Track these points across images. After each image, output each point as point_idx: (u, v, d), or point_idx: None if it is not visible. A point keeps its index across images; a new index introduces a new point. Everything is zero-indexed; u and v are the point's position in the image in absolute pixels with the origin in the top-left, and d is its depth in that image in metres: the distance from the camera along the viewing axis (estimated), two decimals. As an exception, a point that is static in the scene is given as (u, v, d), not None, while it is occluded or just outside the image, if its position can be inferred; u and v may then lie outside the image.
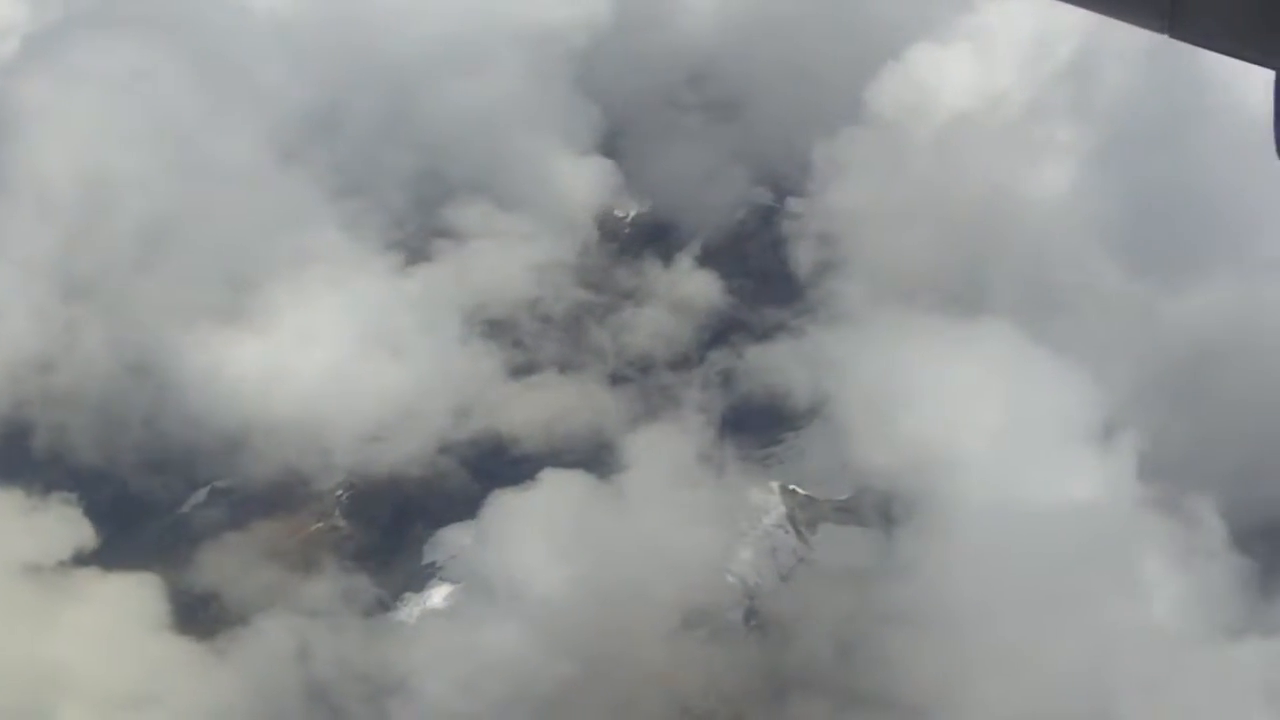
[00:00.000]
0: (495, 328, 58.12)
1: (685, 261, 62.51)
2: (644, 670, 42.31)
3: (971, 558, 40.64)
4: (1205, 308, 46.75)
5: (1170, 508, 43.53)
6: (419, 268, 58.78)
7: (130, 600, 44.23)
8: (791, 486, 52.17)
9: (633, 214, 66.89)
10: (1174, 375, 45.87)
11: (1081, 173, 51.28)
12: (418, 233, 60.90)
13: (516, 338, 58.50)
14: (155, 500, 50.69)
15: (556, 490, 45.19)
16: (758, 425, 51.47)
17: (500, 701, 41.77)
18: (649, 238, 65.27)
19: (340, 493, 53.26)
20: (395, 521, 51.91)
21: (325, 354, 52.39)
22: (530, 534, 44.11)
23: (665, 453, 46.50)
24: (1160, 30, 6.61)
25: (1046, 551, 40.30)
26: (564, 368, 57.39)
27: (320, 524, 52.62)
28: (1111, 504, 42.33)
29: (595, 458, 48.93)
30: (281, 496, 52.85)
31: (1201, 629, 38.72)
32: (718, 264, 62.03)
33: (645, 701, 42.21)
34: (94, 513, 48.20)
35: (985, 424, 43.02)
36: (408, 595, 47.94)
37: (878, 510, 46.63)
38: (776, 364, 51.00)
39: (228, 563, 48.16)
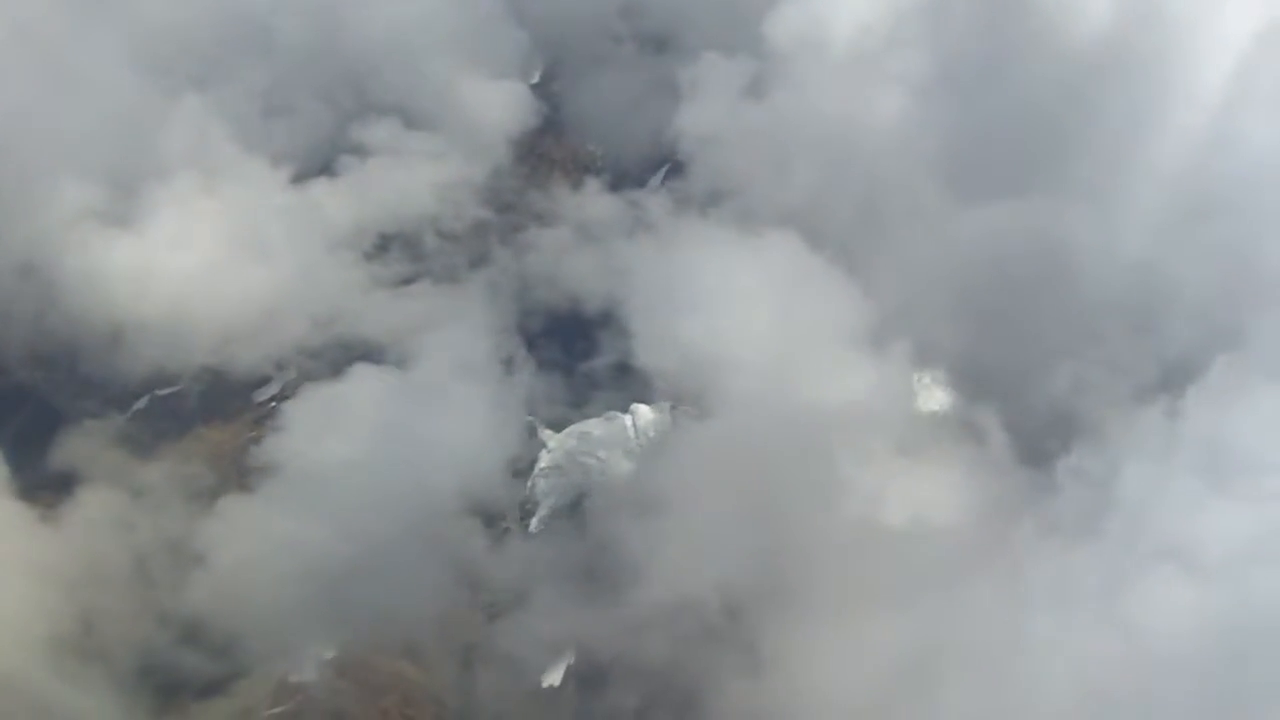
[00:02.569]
0: (389, 240, 60.42)
1: (595, 185, 64.30)
2: (421, 552, 44.67)
3: (727, 452, 42.29)
4: (1010, 229, 47.30)
5: (948, 413, 44.81)
6: (316, 181, 60.83)
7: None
8: (684, 408, 53.86)
9: (591, 149, 68.58)
10: (967, 291, 46.62)
11: (918, 101, 52.07)
12: (324, 147, 62.44)
13: (412, 251, 60.67)
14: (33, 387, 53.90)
15: (360, 383, 47.30)
16: (552, 327, 53.14)
17: (286, 577, 44.41)
18: (568, 163, 67.19)
19: (273, 404, 56.27)
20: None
21: (199, 258, 54.78)
22: (328, 423, 46.45)
23: (461, 351, 48.33)
24: None
25: (796, 448, 41.70)
26: (448, 280, 59.41)
27: (253, 433, 55.54)
28: (877, 406, 43.58)
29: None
30: (219, 405, 56.03)
31: (918, 522, 39.85)
32: (631, 188, 63.88)
33: (421, 580, 44.60)
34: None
35: (761, 329, 44.42)
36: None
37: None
38: (575, 270, 52.50)
39: (84, 446, 51.19)
